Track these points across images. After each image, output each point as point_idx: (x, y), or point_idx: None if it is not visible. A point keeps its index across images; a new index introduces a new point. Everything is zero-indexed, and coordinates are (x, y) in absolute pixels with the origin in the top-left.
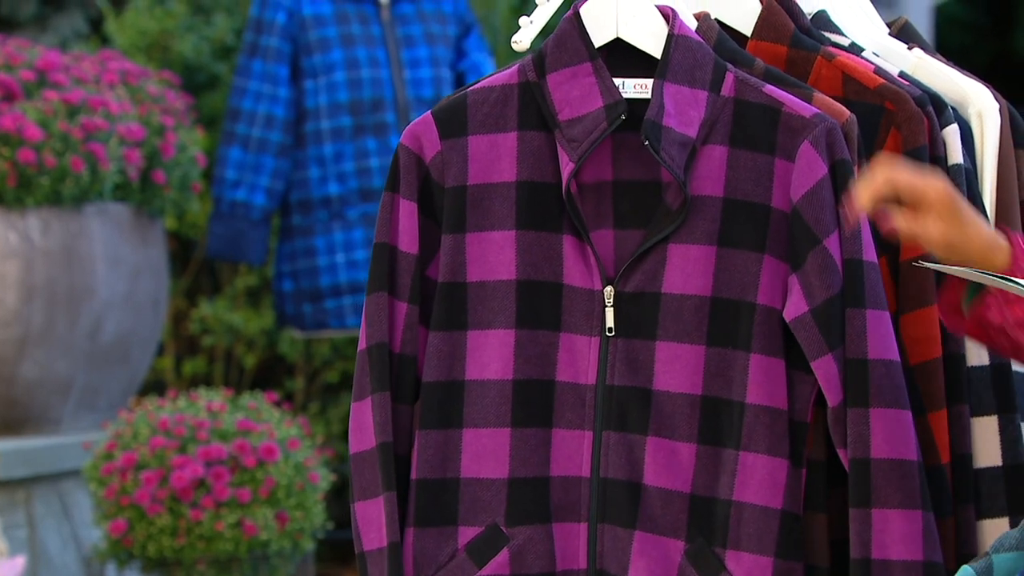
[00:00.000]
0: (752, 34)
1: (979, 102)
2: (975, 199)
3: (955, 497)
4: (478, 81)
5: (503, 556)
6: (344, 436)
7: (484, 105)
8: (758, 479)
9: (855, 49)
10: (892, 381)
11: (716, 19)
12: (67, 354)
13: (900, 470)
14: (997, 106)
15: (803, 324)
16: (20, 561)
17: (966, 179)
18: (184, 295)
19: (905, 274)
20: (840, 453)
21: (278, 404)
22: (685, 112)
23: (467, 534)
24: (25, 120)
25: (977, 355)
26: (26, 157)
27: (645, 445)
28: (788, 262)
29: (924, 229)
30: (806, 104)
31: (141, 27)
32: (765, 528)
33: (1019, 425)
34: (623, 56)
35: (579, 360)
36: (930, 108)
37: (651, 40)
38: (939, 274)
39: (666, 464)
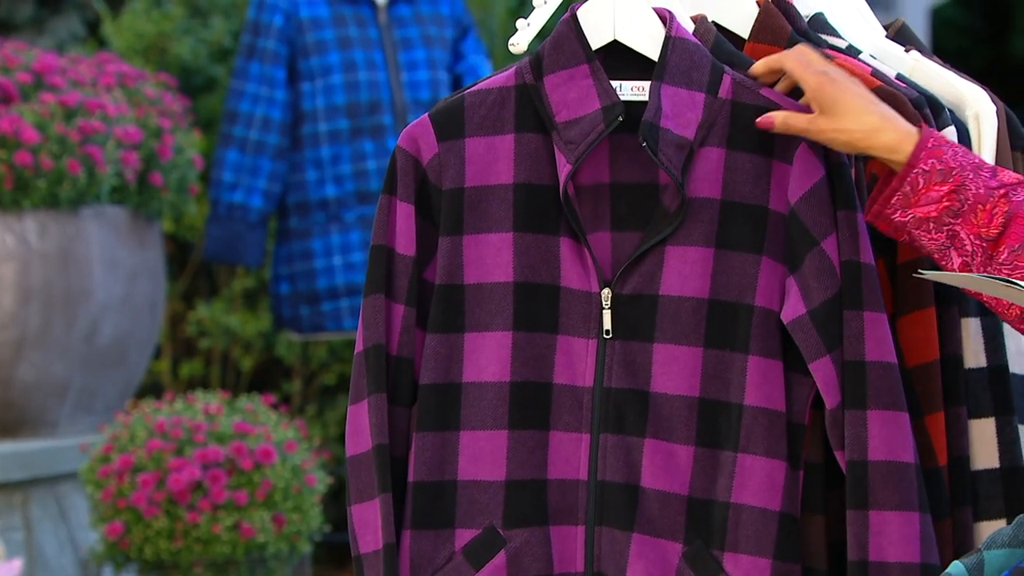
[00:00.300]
0: (749, 36)
1: (976, 104)
2: None
3: (952, 499)
4: (475, 84)
5: (500, 559)
6: (341, 439)
7: (481, 107)
8: (756, 481)
9: (852, 51)
10: (890, 383)
11: (713, 21)
12: (64, 357)
13: (897, 472)
14: (994, 108)
15: (801, 326)
16: (17, 564)
17: None
18: (181, 298)
19: (902, 276)
20: (838, 455)
21: (275, 407)
22: (682, 114)
23: (464, 536)
24: (22, 123)
25: (975, 357)
26: (23, 160)
27: (643, 447)
28: (786, 264)
29: (808, 124)
30: (803, 106)
31: (138, 30)
32: (763, 530)
33: (1017, 427)
34: (620, 58)
35: (576, 362)
36: (927, 110)
37: (648, 42)
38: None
39: (664, 466)
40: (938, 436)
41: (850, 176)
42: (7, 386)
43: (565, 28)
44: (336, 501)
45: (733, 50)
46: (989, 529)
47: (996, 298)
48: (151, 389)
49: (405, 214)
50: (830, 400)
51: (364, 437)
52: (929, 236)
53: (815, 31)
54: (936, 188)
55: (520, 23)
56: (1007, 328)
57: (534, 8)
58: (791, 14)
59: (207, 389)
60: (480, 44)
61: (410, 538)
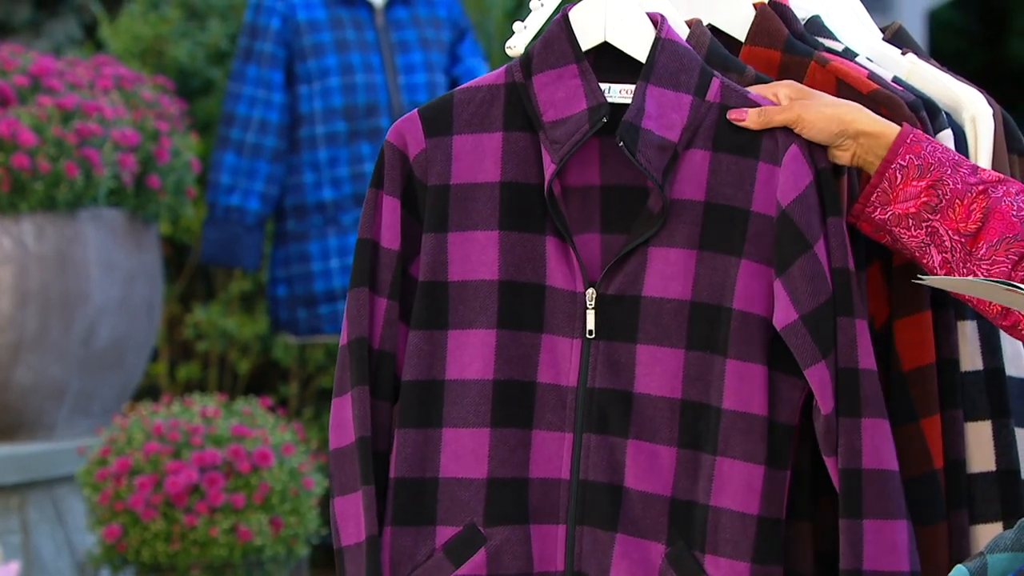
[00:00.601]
0: (746, 39)
1: (973, 107)
2: None
3: (949, 502)
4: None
5: (480, 556)
6: None
7: (470, 105)
8: (734, 485)
9: (849, 54)
10: (877, 391)
11: (710, 24)
12: (61, 359)
13: (890, 481)
14: (991, 111)
15: (795, 331)
16: (14, 567)
17: None
18: (178, 300)
19: (898, 280)
20: (829, 462)
21: (272, 409)
22: (667, 115)
23: (445, 533)
24: (19, 125)
25: (971, 360)
26: (20, 162)
27: (626, 448)
28: (771, 266)
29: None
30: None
31: (135, 32)
32: (742, 534)
33: (1013, 430)
34: (611, 61)
35: (560, 362)
36: (924, 113)
37: (638, 45)
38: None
39: (647, 467)
40: (934, 439)
41: (834, 182)
42: (4, 389)
43: (556, 28)
44: None
45: (727, 55)
46: (985, 532)
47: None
48: (148, 392)
49: (391, 208)
50: (825, 406)
51: (347, 430)
52: (909, 233)
53: (812, 34)
54: (914, 183)
55: (517, 26)
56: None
57: (531, 11)
58: (788, 17)
59: (204, 392)
60: (477, 47)
61: (391, 534)
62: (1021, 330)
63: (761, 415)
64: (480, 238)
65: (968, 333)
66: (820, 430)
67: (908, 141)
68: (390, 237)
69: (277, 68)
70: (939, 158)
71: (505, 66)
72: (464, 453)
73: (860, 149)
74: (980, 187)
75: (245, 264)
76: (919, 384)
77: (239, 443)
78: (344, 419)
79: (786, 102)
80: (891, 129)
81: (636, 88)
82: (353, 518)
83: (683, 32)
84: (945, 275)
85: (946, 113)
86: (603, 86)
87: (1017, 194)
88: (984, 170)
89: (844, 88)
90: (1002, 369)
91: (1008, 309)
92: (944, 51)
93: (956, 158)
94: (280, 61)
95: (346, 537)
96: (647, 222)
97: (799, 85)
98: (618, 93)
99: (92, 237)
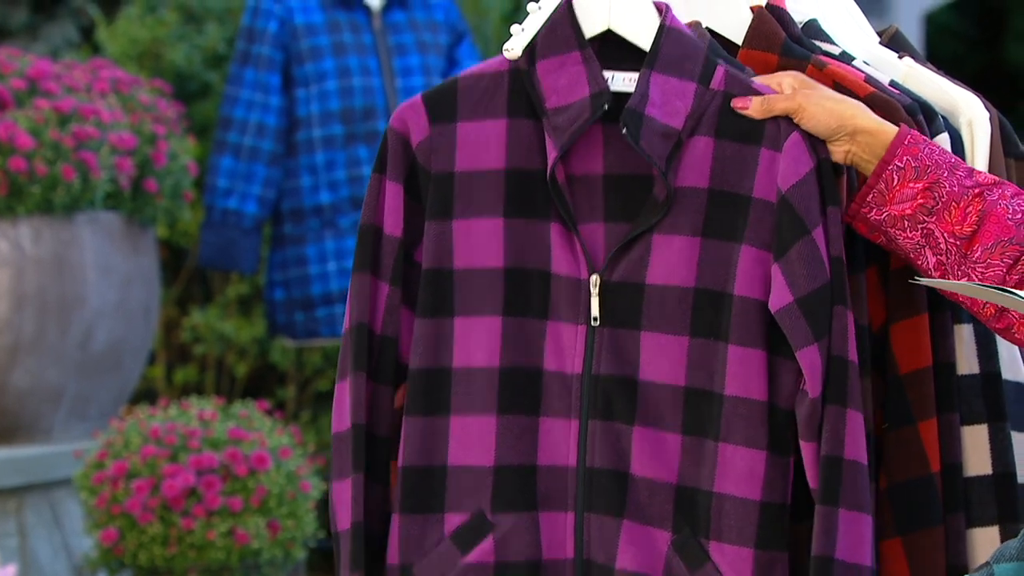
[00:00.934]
0: (743, 43)
1: (970, 111)
2: None
3: (945, 506)
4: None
5: (488, 543)
6: None
7: (474, 91)
8: (737, 471)
9: (846, 58)
10: (857, 383)
11: (707, 28)
12: (58, 363)
13: (864, 475)
14: (988, 115)
15: (789, 313)
16: (11, 570)
17: None
18: (175, 304)
19: (895, 283)
20: (807, 446)
21: (269, 413)
22: (671, 103)
23: (453, 521)
24: (16, 128)
25: (968, 364)
26: (17, 165)
27: (632, 435)
28: (770, 251)
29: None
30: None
31: (132, 36)
32: (745, 520)
33: (1009, 434)
34: (616, 49)
35: (565, 348)
36: (920, 117)
37: (642, 33)
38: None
39: (653, 454)
40: (931, 443)
41: (833, 172)
42: (1, 392)
43: (560, 15)
44: None
45: (727, 56)
46: (982, 535)
47: (971, 298)
48: (145, 395)
49: (394, 194)
50: (813, 389)
51: (344, 415)
52: (904, 235)
53: (809, 37)
54: (911, 185)
55: (514, 28)
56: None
57: (528, 14)
58: (785, 20)
59: (201, 395)
60: (475, 50)
61: (399, 522)
62: (1015, 333)
63: (761, 400)
64: (485, 225)
65: (965, 337)
66: (804, 414)
67: (906, 142)
68: (392, 223)
69: (274, 71)
70: (936, 160)
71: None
72: (471, 441)
73: (856, 147)
74: (976, 190)
75: (242, 267)
76: (916, 387)
77: (236, 446)
78: (343, 404)
79: (789, 91)
80: (889, 129)
81: (640, 75)
82: (346, 503)
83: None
84: (939, 277)
85: (943, 117)
86: (607, 74)
87: (1013, 197)
88: (980, 173)
89: (841, 92)
90: (998, 373)
91: (1002, 312)
92: (941, 55)
93: (953, 160)
94: (277, 65)
95: (340, 522)
96: (651, 210)
97: (803, 76)
98: (622, 81)
99: (89, 240)
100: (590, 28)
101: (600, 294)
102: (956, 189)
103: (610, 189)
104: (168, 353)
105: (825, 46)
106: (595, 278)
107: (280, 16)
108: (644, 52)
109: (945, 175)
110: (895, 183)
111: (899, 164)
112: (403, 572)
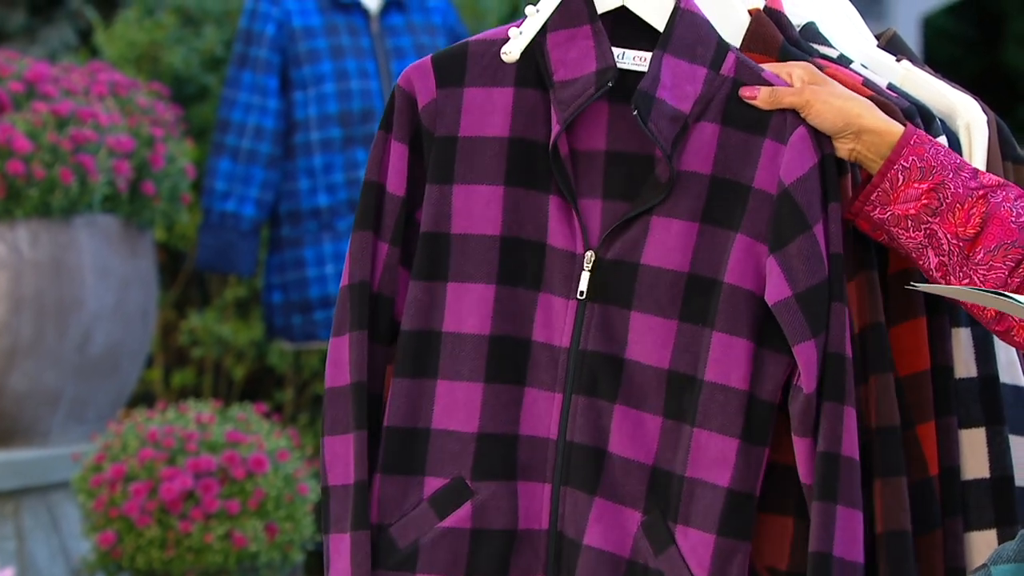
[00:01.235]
0: (741, 46)
1: (967, 114)
2: None
3: (943, 509)
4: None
5: (465, 509)
6: None
7: (484, 57)
8: (709, 457)
9: (843, 61)
10: (853, 379)
11: None
12: (56, 366)
13: (858, 472)
14: (985, 118)
15: (787, 308)
16: (9, 573)
17: None
18: (173, 306)
19: (893, 286)
20: (801, 441)
21: (267, 416)
22: (681, 86)
23: (432, 485)
24: (14, 131)
25: (965, 367)
26: (15, 168)
27: (612, 413)
28: (764, 242)
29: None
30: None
31: (130, 39)
32: (710, 505)
33: (1007, 437)
34: (627, 27)
35: (555, 321)
36: (918, 120)
37: (656, 13)
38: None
39: (632, 434)
40: (929, 446)
41: (836, 168)
42: None
43: None
44: None
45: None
46: (979, 539)
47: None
48: (143, 398)
49: (399, 154)
50: (808, 385)
51: (343, 371)
52: (907, 235)
53: (806, 40)
54: (915, 185)
55: (512, 31)
56: (997, 338)
57: (526, 16)
58: (782, 23)
59: (199, 398)
60: None
61: (380, 481)
62: (1014, 336)
63: (741, 389)
64: (485, 192)
65: (963, 340)
66: (797, 409)
67: (911, 142)
68: (396, 183)
69: (272, 74)
70: (942, 161)
71: (521, 19)
72: (456, 406)
73: (861, 146)
74: (980, 192)
75: (240, 270)
76: (914, 391)
77: (234, 449)
78: (340, 360)
79: (799, 84)
80: (895, 129)
81: (652, 57)
82: (342, 459)
83: None
84: (941, 278)
85: (940, 120)
86: (617, 51)
87: (1016, 199)
88: (984, 174)
89: None
90: (996, 376)
91: (1002, 314)
92: (938, 58)
93: (958, 161)
94: (275, 67)
95: (334, 477)
96: (653, 191)
97: (814, 69)
98: (632, 60)
99: (87, 243)
100: (603, 3)
101: (593, 270)
102: (961, 190)
103: (611, 166)
104: (166, 356)
105: (823, 49)
106: (590, 254)
107: (278, 19)
108: (656, 31)
109: (950, 176)
110: (900, 183)
111: (904, 164)
112: (379, 532)
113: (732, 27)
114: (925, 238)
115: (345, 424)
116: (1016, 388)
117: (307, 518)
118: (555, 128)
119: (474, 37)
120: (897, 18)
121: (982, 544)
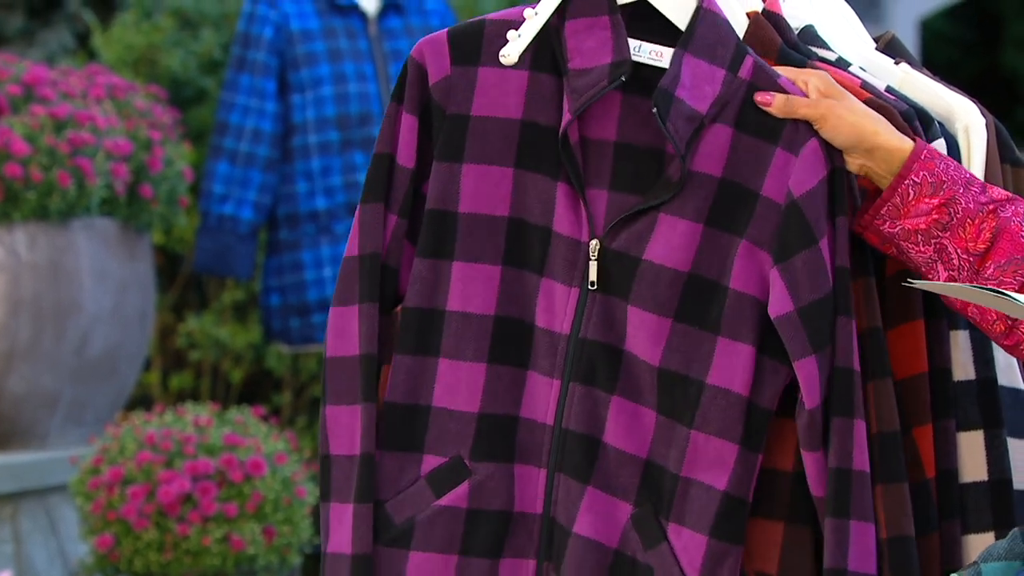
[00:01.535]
0: None
1: (966, 117)
2: None
3: (941, 512)
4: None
5: (462, 489)
6: None
7: (500, 38)
8: (707, 459)
9: (842, 64)
10: (860, 393)
11: None
12: (54, 369)
13: (869, 485)
14: (984, 121)
15: (790, 322)
16: None
17: None
18: (171, 309)
19: (890, 289)
20: (810, 456)
21: (265, 419)
22: (700, 87)
23: (430, 463)
24: (12, 135)
25: (963, 370)
26: (13, 172)
27: (609, 403)
28: (767, 251)
29: (810, 108)
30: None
31: (128, 42)
32: (705, 507)
33: (1005, 440)
34: (646, 20)
35: (556, 308)
36: (917, 123)
37: (678, 11)
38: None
39: (627, 426)
40: (926, 449)
41: (845, 181)
42: None
43: None
44: None
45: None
46: (977, 542)
47: (981, 314)
48: (141, 401)
49: (409, 126)
50: (811, 400)
51: (351, 342)
52: (917, 249)
53: (805, 43)
54: (926, 200)
55: (511, 34)
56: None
57: (525, 19)
58: (781, 26)
59: (197, 401)
60: None
61: (378, 457)
62: (1023, 350)
63: (742, 395)
64: (494, 173)
65: (961, 343)
66: (802, 424)
67: (923, 157)
68: (406, 155)
69: (270, 77)
70: (952, 176)
71: (535, 2)
72: (458, 385)
73: (872, 162)
74: (990, 207)
75: (238, 273)
76: (911, 393)
77: (232, 452)
78: (347, 330)
79: (815, 95)
80: (907, 145)
81: (673, 55)
82: (347, 428)
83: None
84: None
85: (939, 123)
86: (634, 43)
87: None
88: (993, 188)
89: None
90: (994, 379)
91: (1012, 329)
92: (937, 60)
93: (968, 176)
94: (273, 70)
95: (336, 446)
96: (663, 188)
97: (830, 79)
98: (648, 54)
99: (85, 246)
100: None
101: (598, 259)
102: (971, 205)
103: (620, 158)
104: (164, 359)
105: (821, 52)
106: (595, 243)
107: (276, 22)
108: (675, 27)
109: (961, 191)
110: (911, 198)
111: (915, 179)
112: (376, 507)
113: None
114: (935, 253)
115: (353, 395)
116: (1014, 391)
117: (305, 521)
118: (566, 116)
119: (490, 15)
120: (895, 21)
121: (980, 547)
